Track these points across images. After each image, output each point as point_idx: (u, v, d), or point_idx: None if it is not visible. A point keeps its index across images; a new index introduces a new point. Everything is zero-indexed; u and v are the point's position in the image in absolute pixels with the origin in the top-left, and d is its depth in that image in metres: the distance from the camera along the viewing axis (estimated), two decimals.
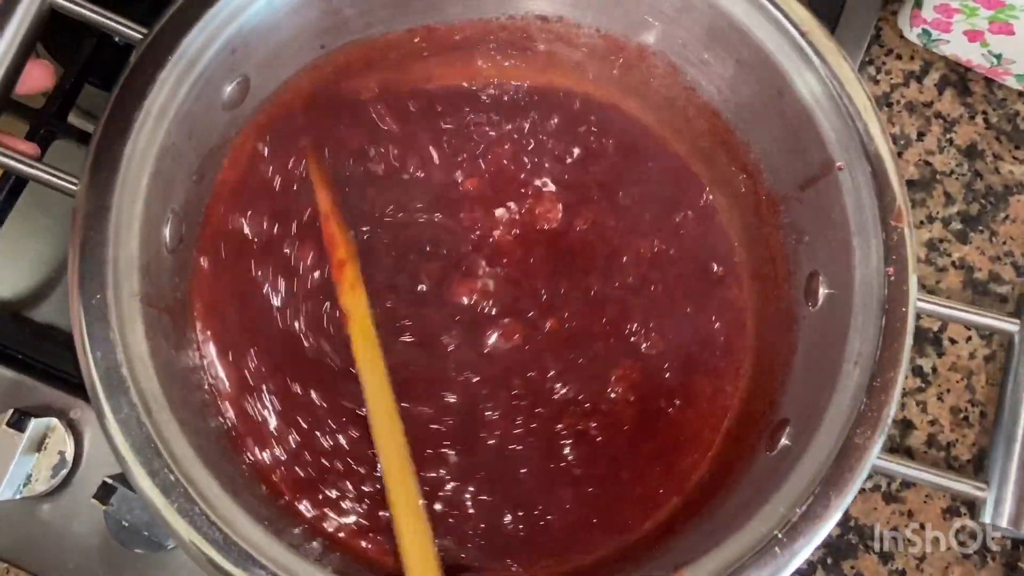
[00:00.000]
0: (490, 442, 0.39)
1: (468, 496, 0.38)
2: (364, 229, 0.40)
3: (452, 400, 0.39)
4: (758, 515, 0.31)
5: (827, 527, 0.31)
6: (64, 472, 0.46)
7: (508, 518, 0.38)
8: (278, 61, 0.38)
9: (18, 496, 0.45)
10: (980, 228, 0.56)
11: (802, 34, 0.35)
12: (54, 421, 0.46)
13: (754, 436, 0.37)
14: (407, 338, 0.40)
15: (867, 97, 0.35)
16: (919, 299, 0.33)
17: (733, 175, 0.42)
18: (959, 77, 0.58)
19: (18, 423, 0.44)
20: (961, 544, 0.51)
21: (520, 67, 0.43)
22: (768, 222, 0.40)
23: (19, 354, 0.48)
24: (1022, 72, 0.55)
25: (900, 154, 0.56)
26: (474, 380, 0.39)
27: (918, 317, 0.53)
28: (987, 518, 0.32)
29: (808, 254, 0.38)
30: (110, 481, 0.44)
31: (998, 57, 0.55)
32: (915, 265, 0.33)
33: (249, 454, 0.36)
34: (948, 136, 0.57)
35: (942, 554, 0.51)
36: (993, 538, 0.51)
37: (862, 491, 0.51)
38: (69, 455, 0.46)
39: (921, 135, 0.57)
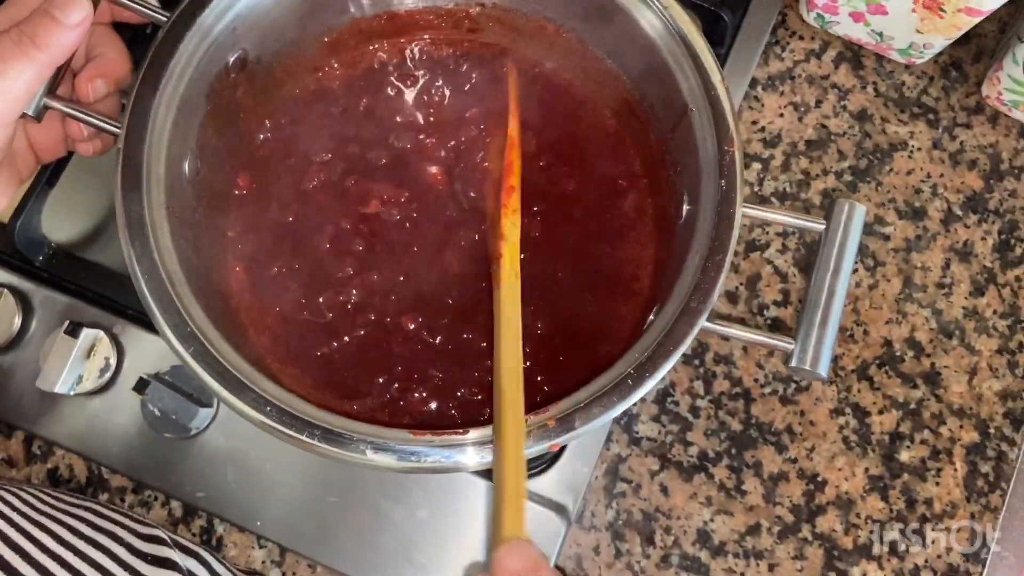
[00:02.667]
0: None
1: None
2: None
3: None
4: (622, 361, 0.42)
5: (667, 367, 0.41)
6: (108, 375, 0.57)
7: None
8: (271, 37, 0.49)
9: (72, 393, 0.56)
10: (868, 179, 0.66)
11: (663, 8, 0.46)
12: (101, 333, 0.57)
13: (647, 312, 0.48)
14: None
15: (716, 64, 0.46)
16: (744, 205, 0.43)
17: (635, 125, 0.53)
18: (853, 54, 0.68)
19: (73, 331, 0.56)
20: (845, 438, 0.61)
21: (466, 41, 0.55)
22: (657, 160, 0.51)
23: (73, 284, 0.60)
24: (902, 47, 0.65)
25: (800, 119, 0.67)
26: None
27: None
28: (794, 363, 0.42)
29: (679, 180, 0.48)
30: (145, 376, 0.55)
31: (880, 35, 0.65)
32: (742, 179, 0.43)
33: (247, 324, 0.47)
34: (842, 103, 0.67)
35: (829, 446, 0.61)
36: (873, 434, 0.61)
37: (762, 395, 0.61)
38: (112, 361, 0.57)
39: (819, 103, 0.67)
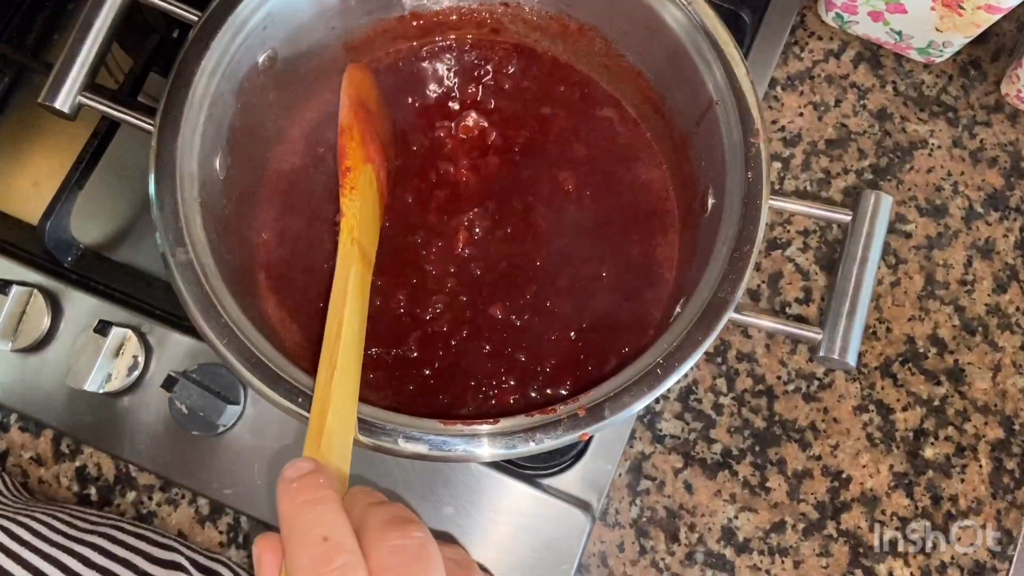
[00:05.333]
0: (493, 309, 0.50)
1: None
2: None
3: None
4: (650, 352, 0.42)
5: (695, 357, 0.41)
6: (136, 373, 0.58)
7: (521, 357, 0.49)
8: (299, 37, 0.50)
9: (101, 391, 0.56)
10: (888, 177, 0.66)
11: (687, 2, 0.47)
12: (129, 332, 0.58)
13: (673, 306, 0.48)
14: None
15: (740, 57, 0.46)
16: (770, 197, 0.44)
17: (658, 121, 0.53)
18: (872, 53, 0.69)
19: (102, 329, 0.56)
20: (869, 435, 0.61)
21: (490, 39, 0.56)
22: (682, 155, 0.52)
23: (102, 285, 0.60)
24: (922, 45, 0.66)
25: (820, 118, 0.67)
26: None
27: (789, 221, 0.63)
28: (822, 352, 0.42)
29: (704, 174, 0.49)
30: (174, 374, 0.56)
31: (899, 34, 0.65)
32: (768, 170, 0.44)
33: (272, 312, 0.48)
34: (862, 102, 0.67)
35: (853, 443, 0.61)
36: (898, 430, 0.61)
37: (785, 392, 0.62)
38: (141, 360, 0.58)
39: (838, 102, 0.67)
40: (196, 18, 0.46)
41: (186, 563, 0.52)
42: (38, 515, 0.50)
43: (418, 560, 0.31)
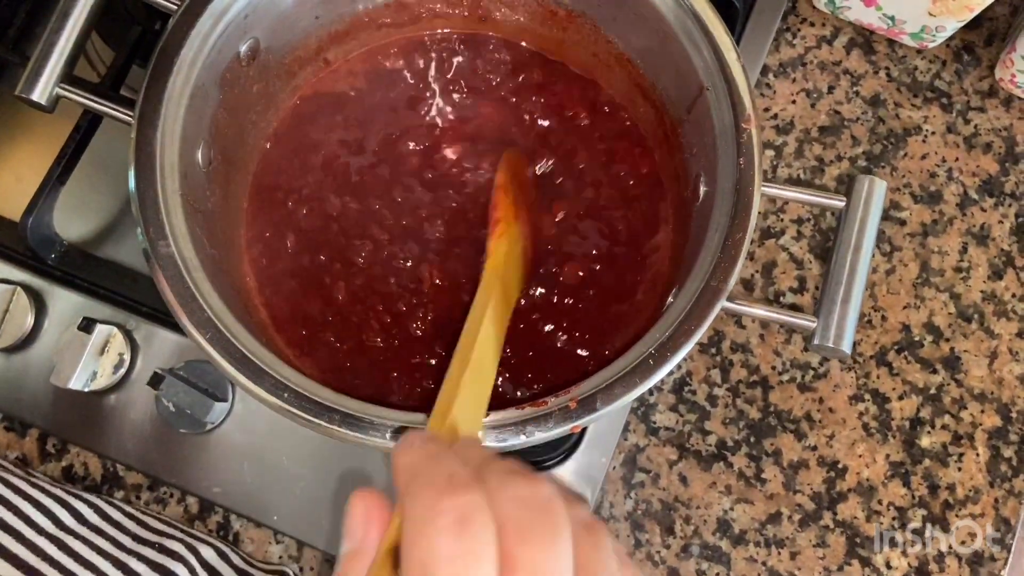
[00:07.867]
0: None
1: None
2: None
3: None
4: (642, 342, 0.41)
5: (687, 347, 0.40)
6: (122, 371, 0.57)
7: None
8: (282, 26, 0.49)
9: (87, 389, 0.56)
10: (882, 164, 0.65)
11: None
12: (114, 329, 0.57)
13: (666, 295, 0.47)
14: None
15: (731, 41, 0.45)
16: (763, 184, 0.43)
17: (647, 109, 0.53)
18: (865, 39, 0.68)
19: (86, 327, 0.55)
20: (865, 425, 0.60)
21: (475, 29, 0.55)
22: (672, 143, 0.51)
23: (86, 282, 0.59)
24: (915, 31, 0.65)
25: (813, 105, 0.66)
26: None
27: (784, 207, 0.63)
28: (816, 340, 0.42)
29: (695, 162, 0.48)
30: (160, 371, 0.55)
31: (892, 19, 0.64)
32: (760, 156, 0.43)
33: (258, 307, 0.47)
34: (855, 89, 0.67)
35: (848, 432, 0.60)
36: (893, 420, 0.60)
37: (780, 382, 0.61)
38: (127, 357, 0.57)
39: (831, 88, 0.67)
40: (176, 7, 0.45)
41: (178, 533, 0.51)
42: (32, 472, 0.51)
43: (547, 515, 0.26)
